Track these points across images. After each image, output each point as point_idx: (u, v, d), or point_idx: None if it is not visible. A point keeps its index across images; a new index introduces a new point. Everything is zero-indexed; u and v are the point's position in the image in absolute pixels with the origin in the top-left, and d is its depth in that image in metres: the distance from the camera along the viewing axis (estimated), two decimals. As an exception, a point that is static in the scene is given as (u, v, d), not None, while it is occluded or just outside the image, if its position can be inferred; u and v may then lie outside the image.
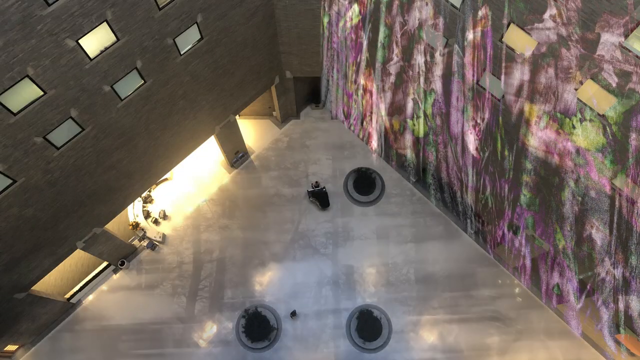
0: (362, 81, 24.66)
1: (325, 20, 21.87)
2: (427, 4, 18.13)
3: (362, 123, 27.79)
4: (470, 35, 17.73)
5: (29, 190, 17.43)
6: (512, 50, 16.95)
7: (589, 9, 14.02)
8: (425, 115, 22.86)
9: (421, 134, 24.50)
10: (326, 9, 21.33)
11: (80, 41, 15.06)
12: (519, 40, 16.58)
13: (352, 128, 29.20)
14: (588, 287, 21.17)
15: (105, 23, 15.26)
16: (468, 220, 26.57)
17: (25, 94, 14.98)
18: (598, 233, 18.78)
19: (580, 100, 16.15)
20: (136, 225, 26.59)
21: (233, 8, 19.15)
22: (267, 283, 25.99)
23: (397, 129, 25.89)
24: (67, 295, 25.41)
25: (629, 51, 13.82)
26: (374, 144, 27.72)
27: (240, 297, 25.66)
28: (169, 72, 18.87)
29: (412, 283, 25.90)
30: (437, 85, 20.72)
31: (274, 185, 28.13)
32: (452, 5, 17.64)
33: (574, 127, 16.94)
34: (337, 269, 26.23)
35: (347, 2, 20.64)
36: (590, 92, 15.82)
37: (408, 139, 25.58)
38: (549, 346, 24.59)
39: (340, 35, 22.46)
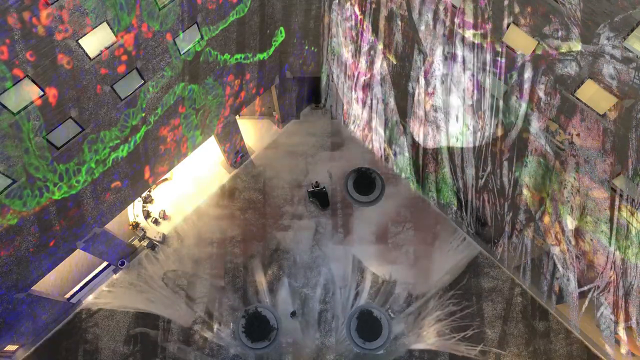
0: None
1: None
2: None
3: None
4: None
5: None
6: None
7: (589, 9, 14.03)
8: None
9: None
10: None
11: (80, 41, 15.08)
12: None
13: (352, 128, 29.20)
14: (588, 286, 21.17)
15: (105, 23, 15.29)
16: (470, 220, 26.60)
17: (25, 94, 14.99)
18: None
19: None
20: (136, 225, 26.59)
21: (233, 8, 19.16)
22: (267, 283, 25.99)
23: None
24: (67, 295, 25.41)
25: (629, 51, 13.84)
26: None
27: (241, 297, 25.67)
28: (169, 71, 18.88)
29: (412, 283, 25.89)
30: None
31: (274, 185, 28.12)
32: (452, 5, 17.65)
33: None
34: (337, 268, 26.22)
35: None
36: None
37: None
38: (551, 347, 24.62)
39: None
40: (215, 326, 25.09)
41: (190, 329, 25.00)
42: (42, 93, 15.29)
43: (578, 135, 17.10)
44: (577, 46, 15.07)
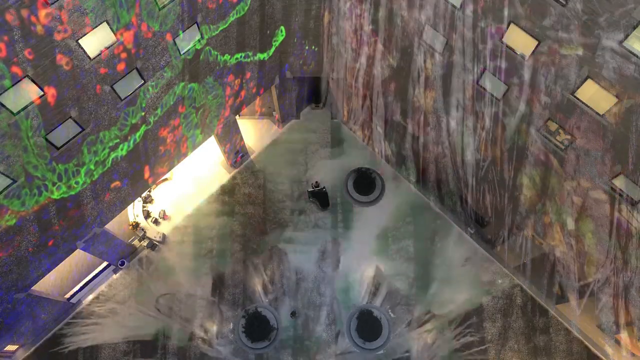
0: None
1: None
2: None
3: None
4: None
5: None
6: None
7: (589, 9, 14.03)
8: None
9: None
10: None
11: (80, 41, 15.07)
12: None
13: (352, 128, 29.21)
14: (588, 280, 21.16)
15: (105, 23, 15.29)
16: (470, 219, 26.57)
17: (24, 93, 14.98)
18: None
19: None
20: (136, 225, 26.59)
21: (233, 7, 19.16)
22: (267, 283, 25.99)
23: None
24: (67, 295, 25.41)
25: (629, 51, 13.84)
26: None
27: (240, 297, 25.66)
28: (169, 72, 18.87)
29: (412, 282, 25.88)
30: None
31: (274, 185, 28.12)
32: (452, 5, 17.65)
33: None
34: (337, 268, 26.21)
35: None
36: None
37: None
38: (550, 345, 24.62)
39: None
40: (215, 326, 25.07)
41: (189, 333, 24.99)
42: (41, 93, 15.28)
43: (578, 134, 17.10)
44: (577, 46, 15.07)
